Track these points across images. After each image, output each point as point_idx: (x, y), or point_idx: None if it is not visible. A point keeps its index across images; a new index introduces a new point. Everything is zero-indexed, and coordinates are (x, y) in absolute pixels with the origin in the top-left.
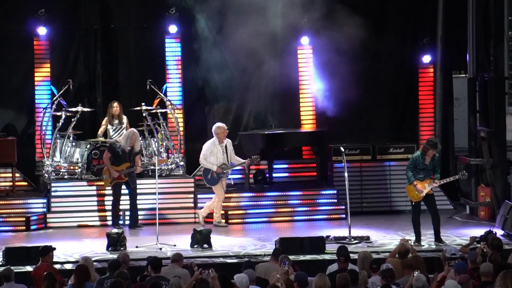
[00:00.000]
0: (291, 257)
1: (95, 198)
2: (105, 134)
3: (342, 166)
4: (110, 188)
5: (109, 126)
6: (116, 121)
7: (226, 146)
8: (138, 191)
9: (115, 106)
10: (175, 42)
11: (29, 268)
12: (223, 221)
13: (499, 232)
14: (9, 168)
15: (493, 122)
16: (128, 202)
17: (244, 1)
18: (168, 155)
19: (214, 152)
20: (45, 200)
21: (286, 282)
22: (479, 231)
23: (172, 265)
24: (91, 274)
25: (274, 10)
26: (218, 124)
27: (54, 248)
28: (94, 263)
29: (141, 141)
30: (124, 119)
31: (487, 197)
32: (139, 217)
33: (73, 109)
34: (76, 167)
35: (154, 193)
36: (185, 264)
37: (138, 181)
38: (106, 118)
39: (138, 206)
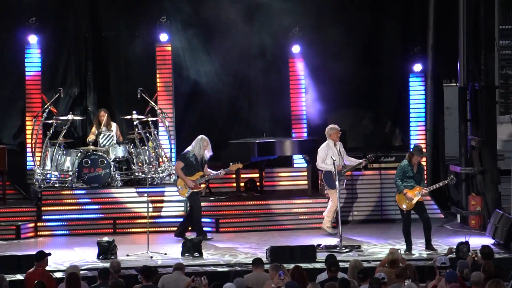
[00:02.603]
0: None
1: (86, 207)
2: (95, 142)
3: (333, 174)
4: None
5: (98, 135)
6: (104, 129)
7: (339, 148)
8: (129, 199)
9: (102, 115)
10: (165, 50)
11: (19, 277)
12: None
13: (489, 241)
14: (0, 176)
15: (484, 131)
16: (189, 211)
17: (235, 9)
18: (159, 163)
19: (330, 154)
20: (35, 209)
21: None
22: (469, 240)
23: (178, 273)
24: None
25: (265, 18)
26: (331, 125)
27: (50, 254)
28: (85, 271)
29: (132, 149)
30: (113, 126)
31: (478, 206)
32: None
33: (64, 118)
34: (67, 176)
35: (145, 201)
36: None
37: (129, 190)
38: (94, 126)
39: (128, 215)
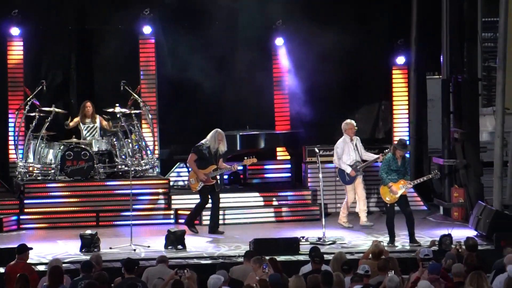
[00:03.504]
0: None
1: (69, 199)
2: (78, 135)
3: (317, 167)
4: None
5: (82, 126)
6: (89, 120)
7: (356, 143)
8: (112, 192)
9: (88, 106)
10: (149, 43)
11: (1, 270)
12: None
13: (472, 233)
14: None
15: (467, 123)
16: (211, 206)
17: (219, 1)
18: (142, 156)
19: (346, 149)
20: (18, 202)
21: (260, 283)
22: (452, 232)
23: (162, 265)
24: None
25: (249, 10)
26: (346, 120)
27: (31, 248)
28: (68, 264)
29: (115, 142)
30: (97, 118)
31: (461, 198)
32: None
33: (47, 109)
34: (50, 168)
35: (128, 194)
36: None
37: (112, 182)
38: (78, 117)
39: (112, 207)
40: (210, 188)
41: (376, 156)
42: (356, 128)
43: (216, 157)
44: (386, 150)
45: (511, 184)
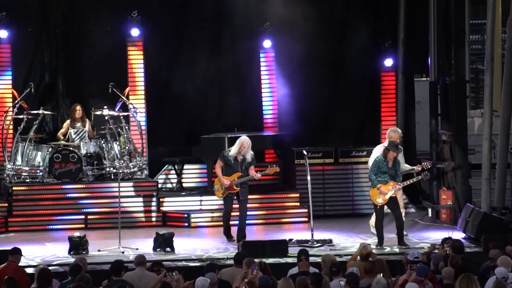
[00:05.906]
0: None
1: (57, 202)
2: (67, 138)
3: (305, 169)
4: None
5: (71, 129)
6: (79, 124)
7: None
8: (101, 194)
9: (78, 109)
10: (137, 45)
11: None
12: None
13: (460, 235)
14: None
15: (455, 125)
16: (238, 213)
17: (206, 3)
18: (130, 158)
19: None
20: (6, 204)
21: (249, 286)
22: (441, 234)
23: (140, 268)
24: None
25: (236, 12)
26: (394, 127)
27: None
28: (56, 267)
29: (103, 144)
30: (87, 122)
31: (449, 200)
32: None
33: (35, 111)
34: (38, 171)
35: (117, 197)
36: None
37: (100, 185)
38: (68, 121)
39: (100, 210)
40: (235, 195)
41: (412, 167)
42: (400, 138)
43: (243, 165)
44: (424, 163)
45: (499, 186)
